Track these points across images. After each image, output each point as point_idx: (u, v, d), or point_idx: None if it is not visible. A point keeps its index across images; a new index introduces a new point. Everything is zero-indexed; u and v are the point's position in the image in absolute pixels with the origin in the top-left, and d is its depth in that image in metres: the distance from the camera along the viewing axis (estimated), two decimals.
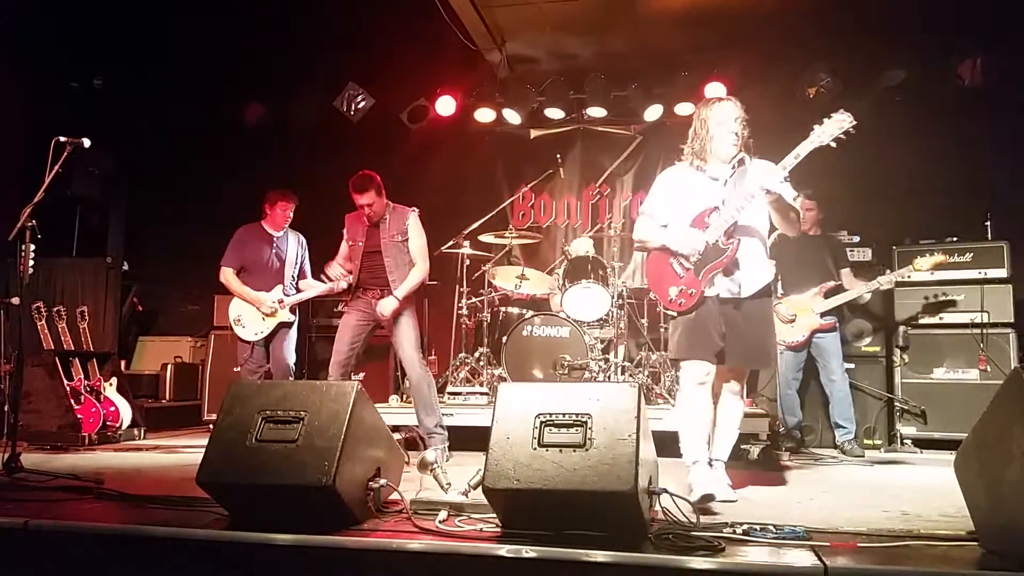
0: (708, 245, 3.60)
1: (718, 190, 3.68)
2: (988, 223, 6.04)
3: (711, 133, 3.67)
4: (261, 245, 5.70)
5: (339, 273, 5.24)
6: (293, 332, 5.68)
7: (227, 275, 5.64)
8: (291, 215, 5.80)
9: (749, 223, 3.66)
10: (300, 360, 5.87)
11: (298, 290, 5.78)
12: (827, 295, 5.61)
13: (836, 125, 3.38)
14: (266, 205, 5.78)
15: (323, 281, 5.55)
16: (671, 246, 3.71)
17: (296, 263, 5.82)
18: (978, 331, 5.70)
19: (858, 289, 5.59)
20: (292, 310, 5.66)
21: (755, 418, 5.21)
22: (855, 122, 3.36)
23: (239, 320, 5.60)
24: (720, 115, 3.68)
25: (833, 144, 3.38)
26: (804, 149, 3.41)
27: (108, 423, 5.94)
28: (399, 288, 4.90)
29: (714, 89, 6.81)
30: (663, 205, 3.83)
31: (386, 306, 4.88)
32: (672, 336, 3.80)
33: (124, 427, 6.07)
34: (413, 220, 5.06)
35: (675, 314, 3.73)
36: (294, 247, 5.81)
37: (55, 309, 6.18)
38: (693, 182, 3.75)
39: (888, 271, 5.66)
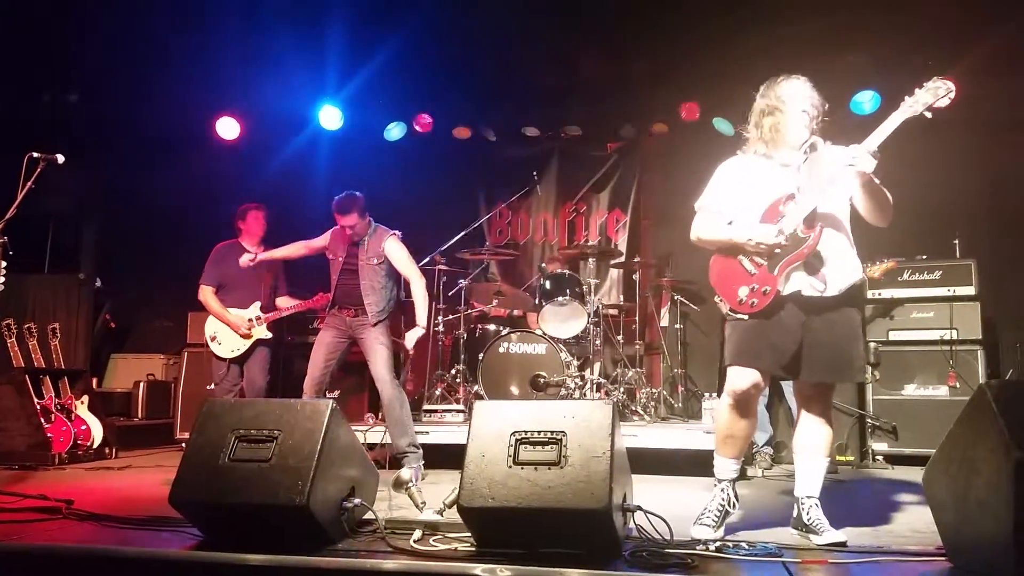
0: (784, 236, 3.11)
1: (790, 177, 3.22)
2: (956, 242, 6.14)
3: (780, 115, 3.25)
4: (238, 262, 5.66)
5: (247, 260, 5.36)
6: (268, 350, 5.64)
7: (205, 294, 5.59)
8: (265, 223, 5.77)
9: (832, 211, 3.19)
10: (274, 378, 5.82)
11: (275, 307, 5.75)
12: None
13: (931, 93, 2.97)
14: (239, 221, 5.75)
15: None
16: (739, 239, 3.21)
17: (273, 279, 5.79)
18: (947, 348, 5.80)
19: None
20: (269, 327, 5.62)
21: None
22: (953, 92, 2.96)
23: (215, 337, 5.55)
24: (790, 94, 3.26)
25: (928, 115, 2.98)
26: (896, 120, 3.02)
27: (79, 442, 5.85)
28: (421, 316, 5.03)
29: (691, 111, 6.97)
30: (727, 198, 3.36)
31: (411, 339, 5.02)
32: (728, 340, 3.29)
33: (95, 446, 5.98)
34: (390, 244, 5.03)
35: (745, 316, 3.19)
36: (271, 264, 5.77)
37: (26, 326, 6.08)
38: (761, 170, 3.32)
39: None
